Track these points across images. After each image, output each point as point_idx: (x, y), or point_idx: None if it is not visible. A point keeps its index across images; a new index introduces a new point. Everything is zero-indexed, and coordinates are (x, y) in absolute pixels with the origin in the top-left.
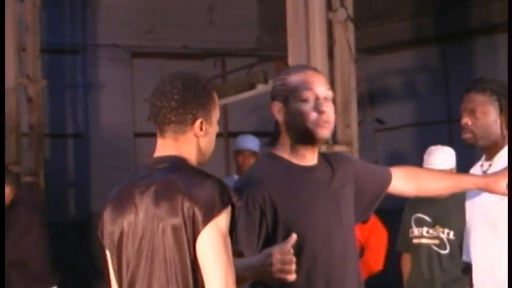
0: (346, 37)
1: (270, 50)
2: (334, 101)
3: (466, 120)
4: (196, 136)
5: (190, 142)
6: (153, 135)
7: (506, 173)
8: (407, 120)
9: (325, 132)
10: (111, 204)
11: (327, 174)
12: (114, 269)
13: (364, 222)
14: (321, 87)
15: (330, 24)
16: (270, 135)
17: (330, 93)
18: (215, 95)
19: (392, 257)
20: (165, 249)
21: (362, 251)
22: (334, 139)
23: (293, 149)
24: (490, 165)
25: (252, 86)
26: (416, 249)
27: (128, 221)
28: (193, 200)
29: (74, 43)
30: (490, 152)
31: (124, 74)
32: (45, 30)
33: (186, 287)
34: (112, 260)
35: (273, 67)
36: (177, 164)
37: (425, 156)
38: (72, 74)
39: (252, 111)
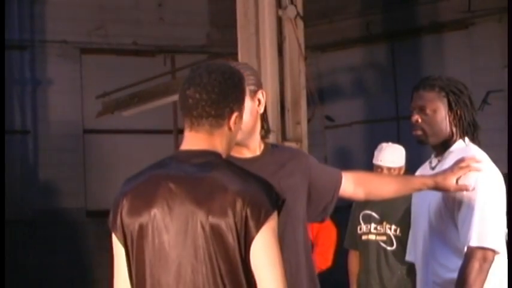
0: (295, 34)
1: (220, 46)
2: (283, 98)
3: (416, 117)
4: (230, 130)
5: (223, 136)
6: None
7: (455, 169)
8: (356, 118)
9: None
10: (130, 195)
11: (272, 164)
12: (128, 261)
13: (322, 221)
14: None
15: (279, 22)
16: None
17: None
18: (246, 88)
19: (342, 254)
20: (207, 247)
21: (311, 248)
22: (284, 136)
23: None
24: (439, 161)
25: None
26: (364, 246)
27: (154, 214)
28: (246, 201)
29: (22, 39)
30: (440, 148)
31: (73, 71)
32: None
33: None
34: (128, 251)
35: None
36: (215, 159)
37: (376, 153)
38: (20, 70)
39: None
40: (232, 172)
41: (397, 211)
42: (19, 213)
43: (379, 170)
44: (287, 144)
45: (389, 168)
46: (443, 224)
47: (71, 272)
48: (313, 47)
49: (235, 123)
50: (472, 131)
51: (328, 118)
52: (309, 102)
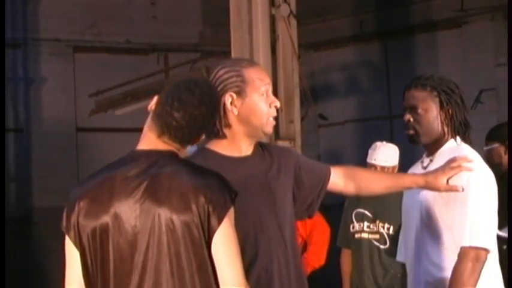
0: (289, 33)
1: (213, 45)
2: (276, 97)
3: (408, 117)
4: (192, 145)
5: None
6: (96, 130)
7: (446, 169)
8: (349, 116)
9: (271, 128)
10: (86, 197)
11: (262, 164)
12: (86, 264)
13: (309, 217)
14: (270, 83)
15: (273, 20)
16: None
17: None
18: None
19: (335, 253)
20: (174, 244)
21: (304, 247)
22: (277, 135)
23: (232, 141)
24: (431, 160)
25: None
26: (357, 244)
27: (113, 214)
28: (208, 196)
29: (15, 37)
30: (432, 148)
31: (66, 69)
32: None
33: (207, 282)
34: (86, 254)
35: (215, 62)
36: (171, 157)
37: (370, 151)
38: (13, 68)
39: None
40: (189, 168)
41: (390, 209)
42: (12, 211)
43: (373, 168)
44: (280, 143)
45: (383, 167)
46: (436, 223)
47: (64, 270)
48: (307, 46)
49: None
50: (463, 131)
51: (321, 116)
52: (302, 101)
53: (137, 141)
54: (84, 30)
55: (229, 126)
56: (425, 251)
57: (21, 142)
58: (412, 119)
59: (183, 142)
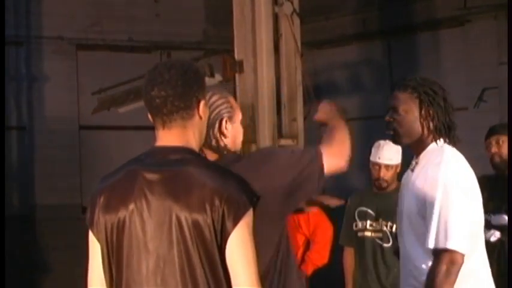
0: (292, 31)
1: (216, 43)
2: (279, 95)
3: (388, 117)
4: (201, 118)
5: (195, 127)
6: (98, 128)
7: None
8: (352, 114)
9: None
10: (107, 192)
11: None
12: (107, 258)
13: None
14: None
15: (276, 18)
16: None
17: None
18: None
19: (337, 251)
20: (184, 243)
21: (307, 245)
22: (279, 133)
23: (219, 156)
24: (416, 162)
25: None
26: (360, 243)
27: (131, 209)
28: (224, 197)
29: (17, 35)
30: (417, 149)
31: (69, 67)
32: None
33: (218, 283)
34: (106, 248)
35: (218, 60)
36: (190, 156)
37: (374, 150)
38: (16, 66)
39: None
40: (209, 168)
41: (393, 207)
42: (16, 209)
43: (377, 167)
44: (283, 141)
45: (387, 166)
46: (416, 225)
47: (67, 268)
48: (309, 44)
49: (203, 111)
50: (446, 132)
51: None
52: (305, 99)
53: (140, 138)
54: (87, 29)
55: (221, 145)
56: (408, 254)
57: (24, 140)
58: (392, 119)
59: (179, 113)
